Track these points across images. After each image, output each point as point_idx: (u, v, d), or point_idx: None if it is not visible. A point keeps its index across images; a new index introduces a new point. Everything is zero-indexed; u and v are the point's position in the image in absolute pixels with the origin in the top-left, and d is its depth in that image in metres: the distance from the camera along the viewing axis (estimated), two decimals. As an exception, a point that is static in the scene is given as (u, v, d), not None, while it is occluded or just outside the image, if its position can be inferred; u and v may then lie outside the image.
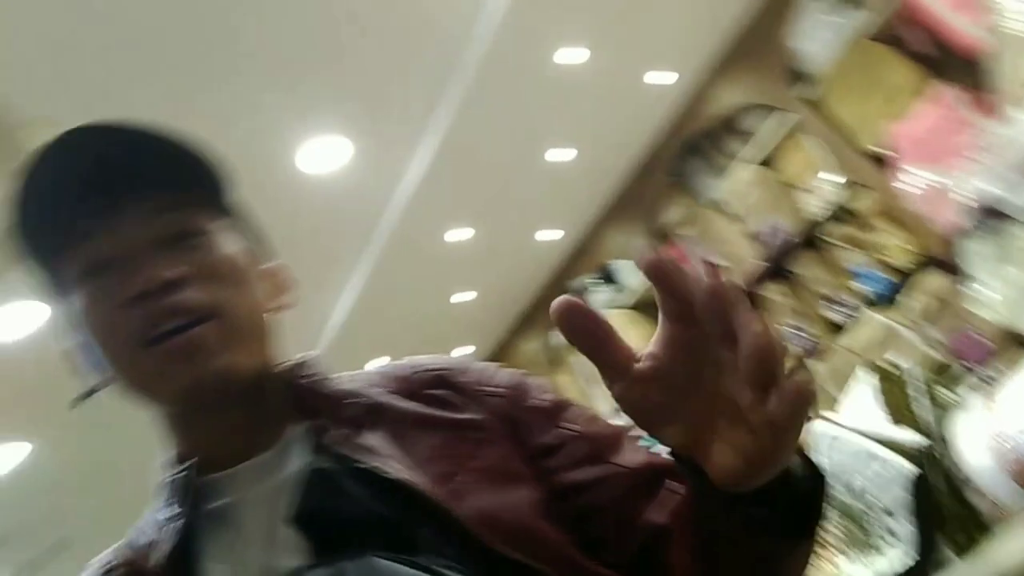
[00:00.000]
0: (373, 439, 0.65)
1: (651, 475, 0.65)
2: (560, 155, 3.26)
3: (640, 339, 3.02)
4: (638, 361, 0.47)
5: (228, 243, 0.69)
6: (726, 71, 3.21)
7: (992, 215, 2.12)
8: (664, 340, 0.46)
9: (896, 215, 2.75)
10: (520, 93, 2.81)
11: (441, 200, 3.15)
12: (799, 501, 0.50)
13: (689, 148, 3.55)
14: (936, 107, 2.46)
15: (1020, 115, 1.97)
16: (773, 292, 3.21)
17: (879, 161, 2.74)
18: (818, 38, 2.82)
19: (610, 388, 0.47)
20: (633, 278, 3.86)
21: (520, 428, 0.69)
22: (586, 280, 4.01)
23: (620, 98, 3.10)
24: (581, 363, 3.92)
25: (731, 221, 3.28)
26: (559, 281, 4.13)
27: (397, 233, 3.15)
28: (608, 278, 3.98)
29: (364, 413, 0.69)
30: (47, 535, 3.97)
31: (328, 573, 0.55)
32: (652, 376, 0.46)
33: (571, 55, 2.73)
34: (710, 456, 0.46)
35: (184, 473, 0.65)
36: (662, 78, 3.14)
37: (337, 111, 2.56)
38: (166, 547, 0.61)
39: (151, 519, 0.68)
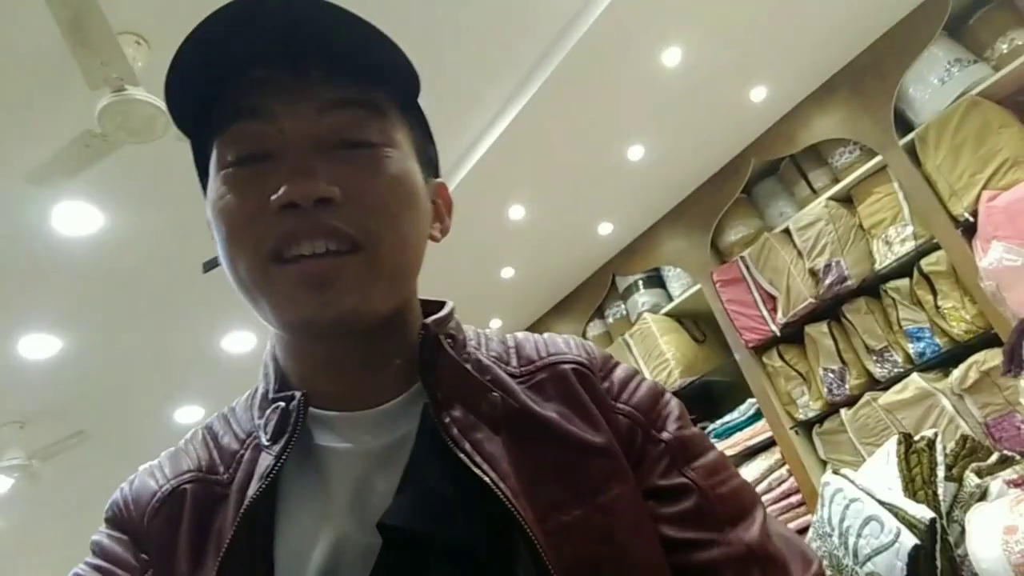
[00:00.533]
0: (492, 444, 0.57)
1: (764, 559, 0.58)
2: (633, 152, 3.17)
3: (671, 345, 3.00)
4: None
5: (400, 160, 0.59)
6: (824, 98, 3.09)
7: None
8: None
9: (966, 284, 2.65)
10: (609, 82, 2.73)
11: (507, 173, 3.10)
12: None
13: (768, 169, 3.45)
14: (1041, 184, 2.35)
15: None
16: (819, 332, 3.13)
17: (963, 225, 2.63)
18: (932, 85, 2.69)
19: None
20: (678, 286, 3.80)
21: (643, 461, 0.62)
22: (633, 279, 3.96)
23: (706, 104, 3.00)
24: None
25: (794, 252, 3.19)
26: (604, 273, 4.07)
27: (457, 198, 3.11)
28: (656, 281, 3.92)
29: (491, 406, 0.60)
30: (64, 426, 4.09)
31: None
32: None
33: (669, 55, 2.64)
34: None
35: (291, 403, 0.58)
36: (754, 93, 3.03)
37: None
38: (248, 496, 0.55)
39: (242, 419, 0.64)
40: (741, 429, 3.43)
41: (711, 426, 3.52)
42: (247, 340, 3.91)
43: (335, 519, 0.55)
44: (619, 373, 0.67)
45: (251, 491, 0.55)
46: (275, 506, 0.56)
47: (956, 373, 2.63)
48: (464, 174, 3.03)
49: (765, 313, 3.30)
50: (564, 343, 0.68)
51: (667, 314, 3.81)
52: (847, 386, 3.05)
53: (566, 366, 0.65)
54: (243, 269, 0.56)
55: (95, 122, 2.14)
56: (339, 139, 0.56)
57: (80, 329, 3.36)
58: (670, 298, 3.85)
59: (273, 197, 0.53)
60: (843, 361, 3.08)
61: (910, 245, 2.81)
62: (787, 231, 3.23)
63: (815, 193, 3.24)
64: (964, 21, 2.75)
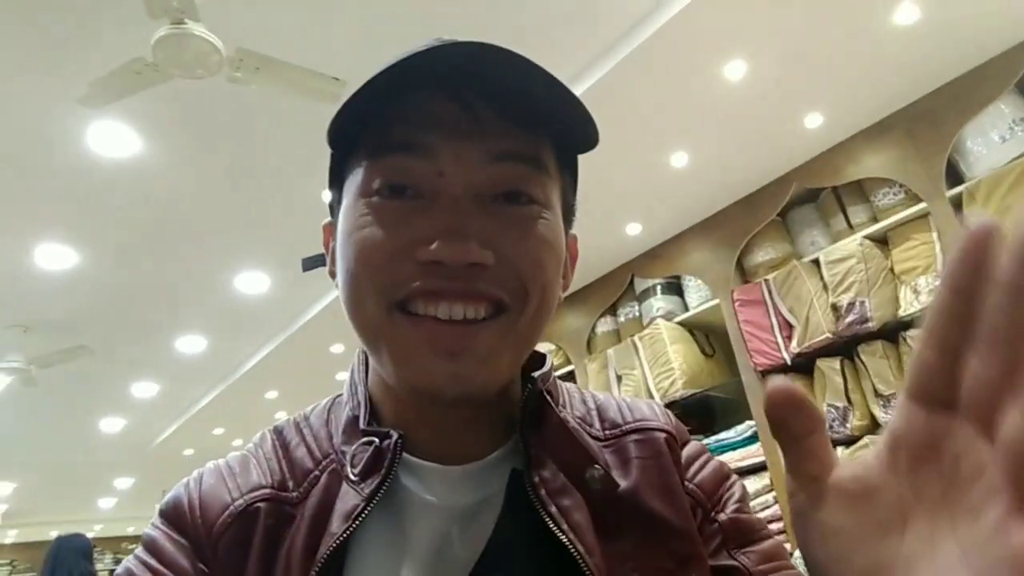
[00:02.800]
0: (580, 513, 0.54)
1: None
2: (678, 158, 3.13)
3: (679, 355, 2.98)
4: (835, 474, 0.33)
5: (553, 222, 0.56)
6: (878, 136, 3.04)
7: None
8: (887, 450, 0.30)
9: (991, 346, 2.63)
10: (669, 84, 2.68)
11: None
12: None
13: (807, 196, 3.40)
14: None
15: None
16: (830, 367, 3.12)
17: (998, 288, 2.60)
18: (992, 141, 2.64)
19: (791, 496, 0.35)
20: (696, 298, 3.78)
21: (705, 534, 0.60)
22: (653, 283, 3.94)
23: (760, 122, 2.95)
24: (615, 357, 3.90)
25: (820, 284, 3.17)
26: (624, 272, 4.05)
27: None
28: (674, 289, 3.90)
29: (592, 478, 0.57)
30: (67, 338, 4.11)
31: None
32: (854, 495, 0.30)
33: (733, 68, 2.59)
34: None
35: (385, 442, 0.55)
36: (810, 119, 2.98)
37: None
38: (338, 525, 0.53)
39: (319, 436, 0.60)
40: (735, 448, 3.44)
41: (705, 440, 3.53)
42: (260, 281, 3.92)
43: (410, 573, 0.53)
44: (691, 448, 0.64)
45: (336, 529, 0.52)
46: (346, 547, 0.53)
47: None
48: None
49: (780, 339, 3.28)
50: (648, 408, 0.66)
51: (680, 323, 3.79)
52: (849, 426, 3.05)
53: (657, 434, 0.62)
54: (369, 310, 0.53)
55: (149, 50, 2.10)
56: (499, 192, 0.53)
57: (98, 246, 3.36)
58: (686, 308, 3.83)
59: (420, 250, 0.50)
60: (849, 401, 3.08)
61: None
62: (816, 262, 3.21)
63: (851, 228, 3.20)
64: (1036, 81, 2.69)
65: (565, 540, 0.51)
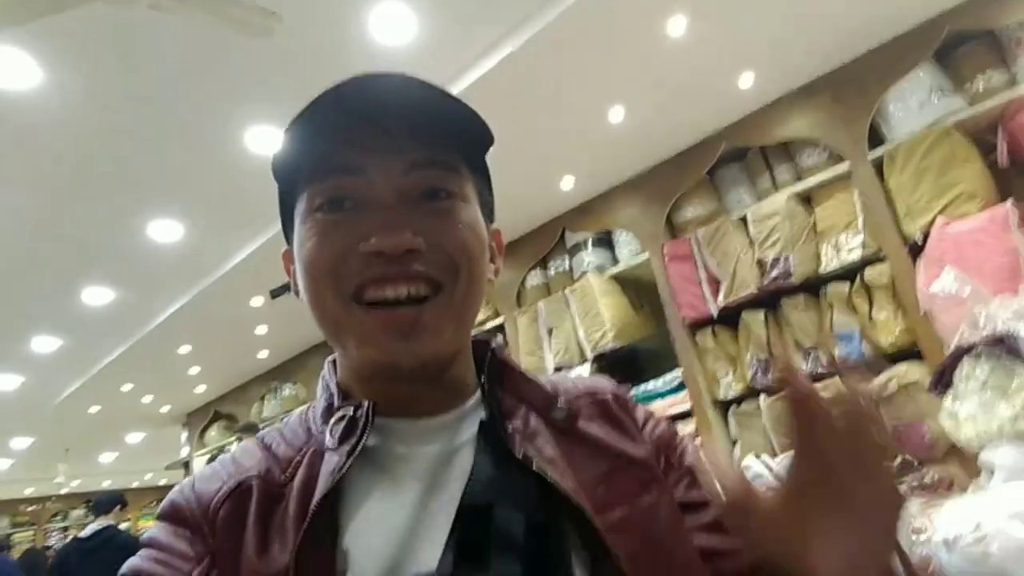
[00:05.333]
0: (551, 449, 0.66)
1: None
2: (615, 113, 3.14)
3: (609, 308, 3.06)
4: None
5: (472, 211, 0.67)
6: (806, 98, 3.14)
7: (1001, 345, 2.19)
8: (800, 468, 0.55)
9: (902, 299, 2.81)
10: (610, 38, 2.66)
11: (489, 109, 3.00)
12: None
13: (735, 155, 3.49)
14: (991, 222, 2.49)
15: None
16: (755, 320, 3.26)
17: (911, 245, 2.77)
18: (911, 107, 2.78)
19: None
20: (626, 252, 3.85)
21: (670, 478, 0.71)
22: (584, 237, 3.97)
23: (696, 79, 2.98)
24: (546, 310, 3.93)
25: (747, 240, 3.28)
26: (555, 226, 4.07)
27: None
28: (604, 243, 3.95)
29: (559, 413, 0.70)
30: None
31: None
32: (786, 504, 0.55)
33: (675, 24, 2.60)
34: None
35: (358, 410, 0.65)
36: (743, 78, 3.04)
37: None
38: (322, 487, 0.60)
39: (296, 431, 0.69)
40: (663, 397, 3.57)
41: (634, 390, 3.63)
42: (174, 230, 3.70)
43: (403, 518, 0.60)
44: (641, 410, 0.77)
45: (321, 486, 0.60)
46: (338, 504, 0.60)
47: (876, 381, 2.80)
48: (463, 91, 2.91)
49: (707, 293, 3.40)
50: (594, 381, 0.79)
51: (611, 277, 3.86)
52: (770, 377, 3.21)
53: (605, 396, 0.76)
54: (329, 306, 0.63)
55: (63, -29, 1.91)
56: (421, 192, 0.64)
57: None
58: (616, 262, 3.90)
59: (363, 244, 0.61)
60: (771, 352, 3.23)
61: (857, 254, 2.94)
62: (744, 219, 3.31)
63: (775, 187, 3.32)
64: (952, 51, 2.83)
65: (540, 471, 0.61)
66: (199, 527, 0.61)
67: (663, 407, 3.53)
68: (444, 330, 0.63)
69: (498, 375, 0.71)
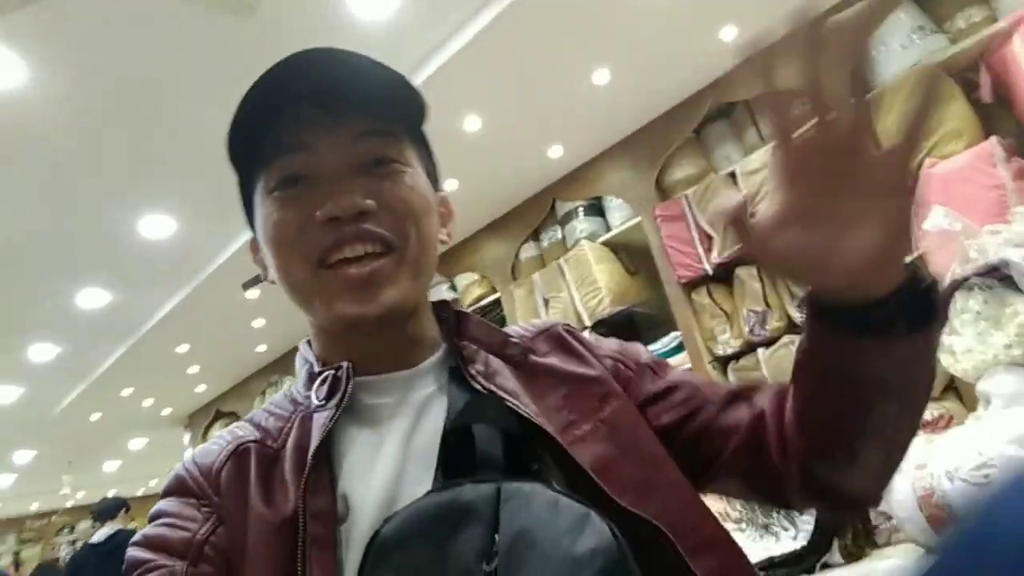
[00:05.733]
0: (512, 383, 0.71)
1: (735, 394, 0.75)
2: (600, 76, 3.14)
3: (604, 274, 3.08)
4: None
5: (416, 175, 0.73)
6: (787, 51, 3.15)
7: (995, 275, 2.22)
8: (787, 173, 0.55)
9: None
10: (590, 4, 2.67)
11: (469, 81, 3.00)
12: (920, 299, 0.56)
13: (723, 111, 3.50)
14: (977, 159, 2.51)
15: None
16: (749, 274, 3.29)
17: (900, 188, 2.79)
18: (894, 49, 2.79)
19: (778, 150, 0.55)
20: (617, 217, 3.86)
21: (631, 383, 0.77)
22: (574, 205, 3.98)
23: (678, 36, 2.99)
24: (541, 282, 3.95)
25: (739, 195, 3.30)
26: (546, 196, 4.08)
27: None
28: (596, 210, 3.96)
29: (516, 350, 0.77)
30: None
31: (487, 493, 0.58)
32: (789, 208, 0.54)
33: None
34: (846, 255, 0.53)
35: (340, 371, 0.70)
36: (725, 31, 3.05)
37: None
38: (316, 437, 0.65)
39: (282, 404, 0.74)
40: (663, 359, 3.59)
41: (634, 355, 3.65)
42: (166, 225, 3.69)
43: (391, 456, 0.66)
44: (589, 335, 0.85)
45: (315, 436, 0.66)
46: (331, 455, 0.66)
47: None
48: (424, 78, 2.92)
49: (701, 251, 3.42)
50: (545, 322, 0.86)
51: (604, 243, 3.87)
52: (767, 328, 3.24)
53: (556, 329, 0.83)
54: (297, 274, 0.69)
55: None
56: (367, 161, 0.69)
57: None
58: (608, 228, 3.91)
59: (319, 212, 0.66)
60: (767, 304, 3.26)
61: (847, 201, 2.96)
62: (733, 175, 3.33)
63: (763, 140, 3.34)
64: (931, -10, 2.84)
65: (510, 403, 0.67)
66: (204, 492, 0.67)
67: (664, 368, 3.56)
68: (401, 281, 0.69)
69: (457, 327, 0.77)
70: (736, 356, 3.38)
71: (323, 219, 0.66)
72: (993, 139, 2.54)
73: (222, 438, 0.72)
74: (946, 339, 2.37)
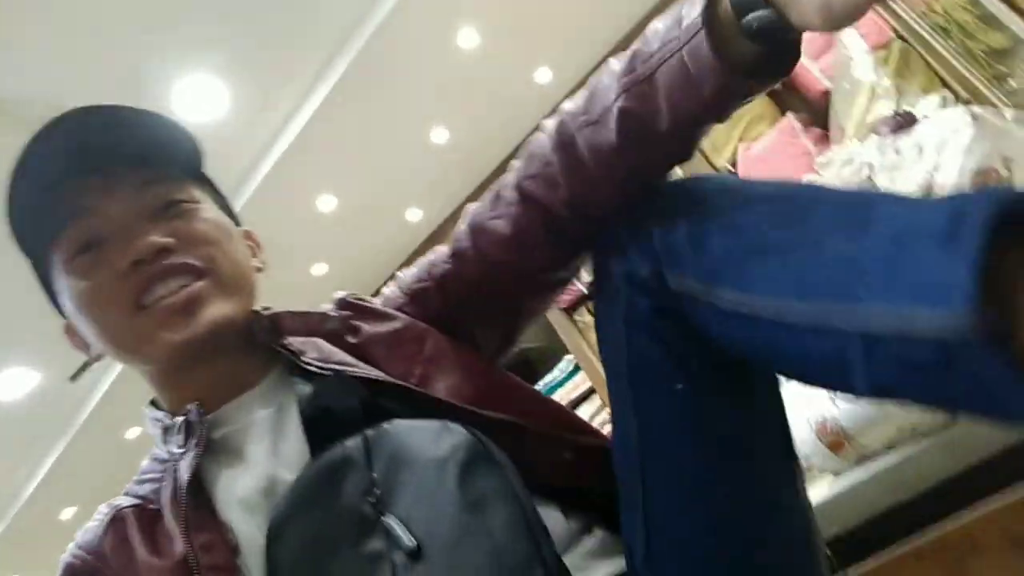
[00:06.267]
0: (339, 354, 0.74)
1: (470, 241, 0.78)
2: (438, 135, 3.30)
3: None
4: None
5: (209, 208, 0.76)
6: (600, 77, 3.44)
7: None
8: None
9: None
10: (410, 66, 2.83)
11: (313, 166, 3.08)
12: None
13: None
14: (783, 133, 2.85)
15: (853, 150, 2.35)
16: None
17: (726, 174, 3.10)
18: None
19: None
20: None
21: (427, 308, 0.80)
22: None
23: (500, 85, 3.20)
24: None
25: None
26: (412, 261, 4.14)
27: (263, 195, 3.04)
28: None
29: (333, 322, 0.79)
30: None
31: (355, 443, 0.63)
32: None
33: (467, 38, 2.80)
34: None
35: (187, 415, 0.70)
36: (539, 74, 3.30)
37: (218, 55, 2.44)
38: (185, 476, 0.66)
39: (150, 468, 0.74)
40: (563, 385, 3.70)
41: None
42: (28, 379, 3.44)
43: (260, 470, 0.68)
44: (375, 299, 0.86)
45: (183, 477, 0.66)
46: (209, 495, 0.67)
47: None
48: (269, 168, 2.96)
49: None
50: (332, 300, 0.87)
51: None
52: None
53: (346, 299, 0.83)
54: (115, 326, 0.69)
55: None
56: (161, 203, 0.71)
57: None
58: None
59: (119, 263, 0.67)
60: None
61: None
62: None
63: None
64: None
65: (351, 373, 0.69)
66: (95, 569, 0.67)
67: (566, 393, 3.67)
68: (219, 300, 0.70)
69: (277, 328, 0.77)
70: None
71: (126, 266, 0.67)
72: (789, 115, 2.90)
73: (100, 512, 0.72)
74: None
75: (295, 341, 0.75)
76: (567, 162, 0.67)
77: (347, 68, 2.69)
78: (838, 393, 2.04)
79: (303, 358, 0.72)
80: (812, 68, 2.72)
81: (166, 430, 0.73)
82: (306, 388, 0.70)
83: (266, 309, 0.80)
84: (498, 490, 0.57)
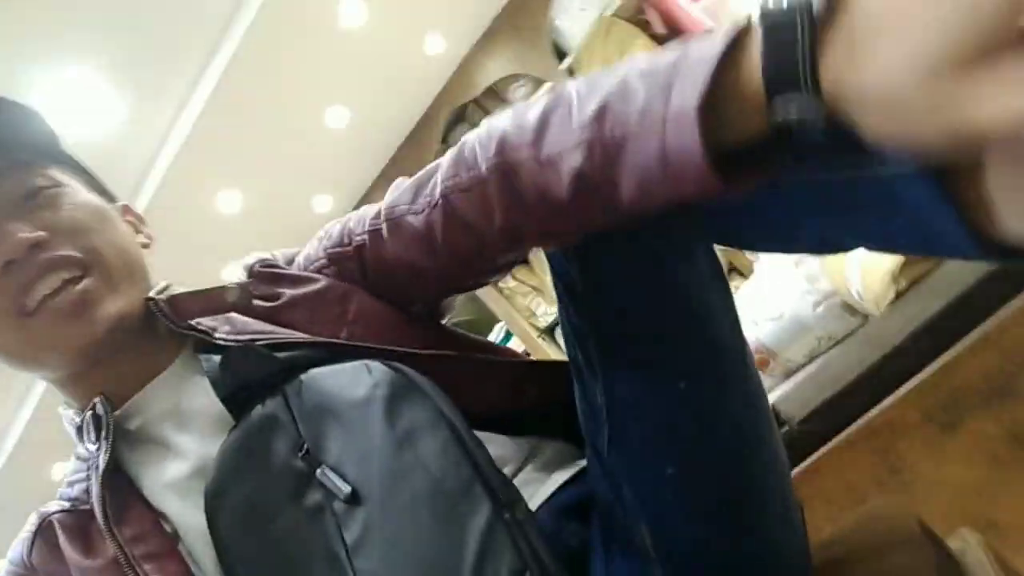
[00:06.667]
0: (253, 325, 0.70)
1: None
2: (338, 118, 3.23)
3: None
4: None
5: (76, 191, 0.70)
6: (493, 41, 3.44)
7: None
8: None
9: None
10: (296, 50, 2.75)
11: (210, 164, 2.96)
12: None
13: (458, 116, 3.73)
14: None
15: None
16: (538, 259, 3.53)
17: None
18: (573, 15, 3.15)
19: None
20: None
21: (345, 274, 0.75)
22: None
23: (393, 60, 3.16)
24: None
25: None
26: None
27: (160, 198, 2.91)
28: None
29: (233, 294, 0.74)
30: None
31: (275, 401, 0.61)
32: None
33: (351, 15, 2.74)
34: None
35: (94, 410, 0.67)
36: (435, 45, 3.27)
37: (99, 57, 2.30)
38: (99, 471, 0.63)
39: (76, 470, 0.70)
40: (497, 353, 3.74)
41: (470, 360, 3.76)
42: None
43: (192, 455, 0.66)
44: (292, 265, 0.81)
45: (101, 470, 0.63)
46: (137, 487, 0.66)
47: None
48: (163, 172, 2.83)
49: (491, 245, 3.62)
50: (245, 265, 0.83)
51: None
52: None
53: (255, 268, 0.78)
54: (8, 341, 0.65)
55: None
56: (16, 198, 0.64)
57: None
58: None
59: None
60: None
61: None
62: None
63: (502, 128, 3.60)
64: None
65: (269, 340, 0.66)
66: None
67: (503, 356, 3.70)
68: (114, 293, 0.66)
69: (177, 311, 0.71)
70: (559, 322, 3.60)
71: (1, 267, 0.62)
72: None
73: (29, 522, 0.69)
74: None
75: (204, 320, 0.70)
76: (506, 191, 0.56)
77: (230, 59, 2.59)
78: (758, 318, 2.13)
79: (216, 335, 0.67)
80: (690, 7, 2.79)
81: (79, 429, 0.70)
82: (216, 363, 0.66)
83: (164, 289, 0.74)
84: (427, 419, 0.56)
